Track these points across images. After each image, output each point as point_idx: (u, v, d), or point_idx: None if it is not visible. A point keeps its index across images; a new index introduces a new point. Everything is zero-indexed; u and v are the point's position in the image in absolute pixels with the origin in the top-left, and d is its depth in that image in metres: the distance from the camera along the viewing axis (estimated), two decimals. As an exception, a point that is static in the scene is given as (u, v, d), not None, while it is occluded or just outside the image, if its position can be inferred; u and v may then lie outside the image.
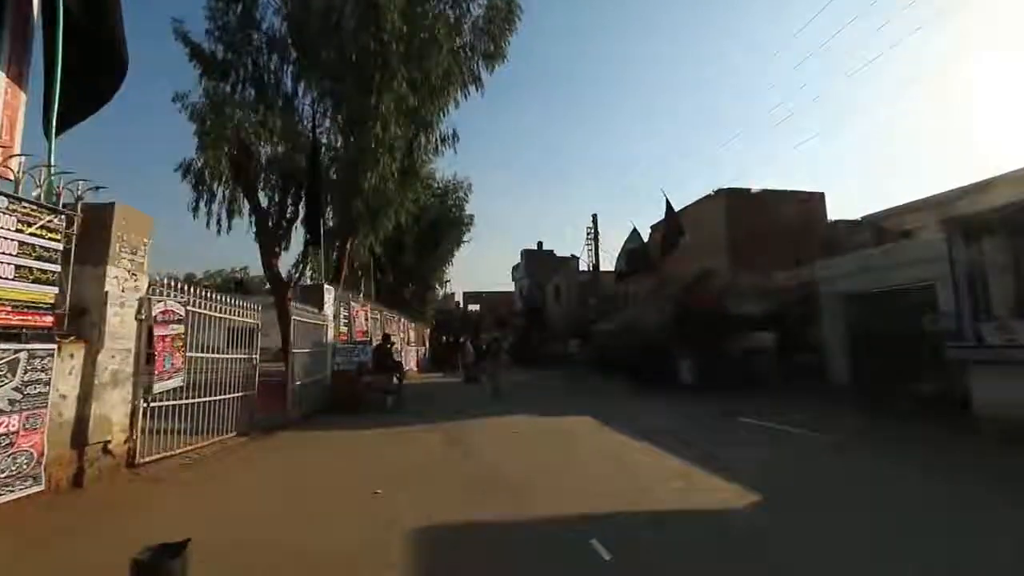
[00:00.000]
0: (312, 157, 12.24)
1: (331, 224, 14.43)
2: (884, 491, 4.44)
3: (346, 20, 13.16)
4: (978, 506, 4.00)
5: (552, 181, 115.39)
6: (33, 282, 3.84)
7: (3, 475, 3.52)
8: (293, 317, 8.42)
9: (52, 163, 4.26)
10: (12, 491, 3.58)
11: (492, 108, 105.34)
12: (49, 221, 4.03)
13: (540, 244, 52.13)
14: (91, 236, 4.47)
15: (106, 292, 4.50)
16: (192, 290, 5.96)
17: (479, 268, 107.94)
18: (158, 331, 5.09)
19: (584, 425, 8.22)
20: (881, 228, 15.36)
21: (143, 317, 4.97)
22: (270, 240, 12.16)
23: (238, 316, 7.09)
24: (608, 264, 30.14)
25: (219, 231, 11.73)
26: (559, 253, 46.29)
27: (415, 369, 22.22)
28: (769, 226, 17.00)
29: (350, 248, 14.52)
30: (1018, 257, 8.26)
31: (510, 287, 55.45)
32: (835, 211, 21.16)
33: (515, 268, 54.87)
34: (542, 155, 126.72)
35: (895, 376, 10.47)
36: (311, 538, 3.33)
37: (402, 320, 20.79)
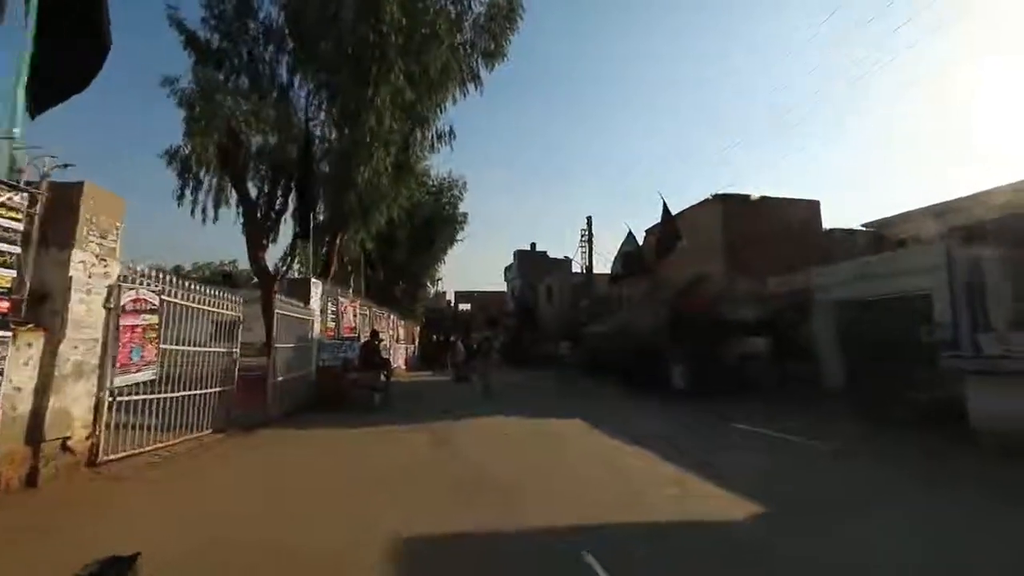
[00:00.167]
0: (305, 148, 11.93)
1: (322, 218, 14.12)
2: (887, 504, 4.25)
3: (345, 11, 12.87)
4: (986, 520, 3.82)
5: (548, 182, 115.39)
6: (-13, 263, 3.56)
7: (-55, 472, 3.23)
8: (276, 311, 8.13)
9: (14, 136, 3.97)
10: (-45, 490, 3.29)
11: (489, 106, 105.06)
12: (9, 199, 3.75)
13: (533, 245, 51.98)
14: (56, 217, 4.18)
15: (71, 277, 4.21)
16: (168, 279, 5.66)
17: (472, 268, 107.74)
18: (126, 321, 4.80)
19: (575, 428, 8.01)
20: (877, 236, 15.35)
21: (112, 306, 4.67)
22: (257, 232, 11.83)
23: (218, 308, 6.79)
24: (602, 267, 30.04)
25: (204, 220, 11.39)
26: (552, 255, 46.16)
27: (404, 367, 21.91)
28: (765, 232, 16.92)
29: (340, 243, 14.21)
30: (1017, 268, 8.20)
31: (502, 287, 55.24)
32: (830, 218, 21.20)
33: (508, 268, 54.66)
34: (538, 156, 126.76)
35: (890, 384, 10.36)
36: (281, 545, 3.07)
37: (392, 317, 20.49)
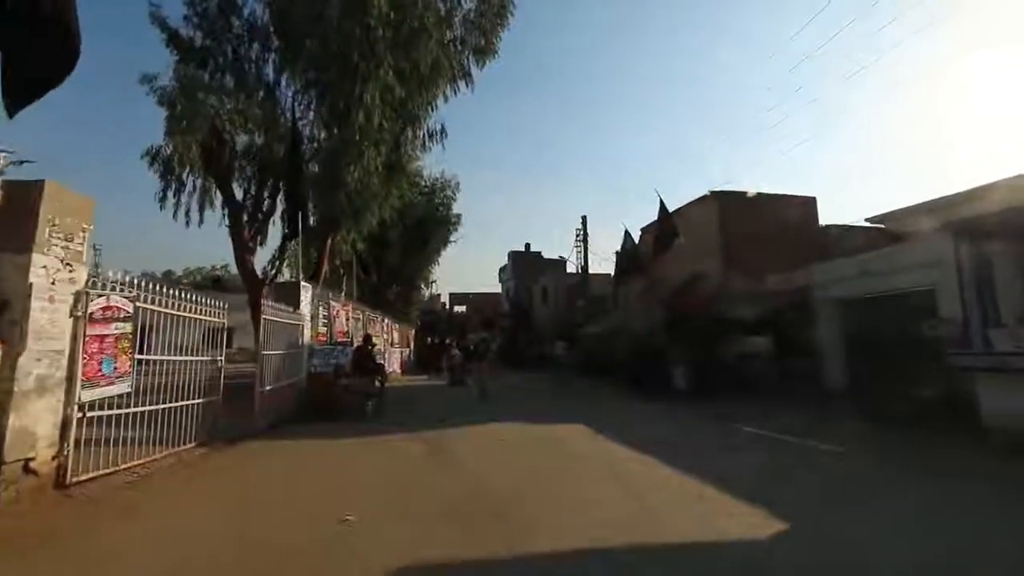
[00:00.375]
0: (292, 147, 11.58)
1: (312, 219, 13.78)
2: (919, 514, 3.99)
3: (331, 8, 12.55)
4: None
5: (541, 182, 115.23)
6: (-69, 270, 3.21)
7: None
8: (263, 316, 7.77)
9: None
10: None
11: (481, 105, 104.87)
12: (-43, 199, 3.40)
13: (528, 246, 51.74)
14: (13, 218, 3.84)
15: (31, 284, 3.86)
16: (144, 284, 5.30)
17: (466, 270, 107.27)
18: (95, 330, 4.44)
19: (576, 434, 7.72)
20: (877, 232, 15.19)
21: (80, 314, 4.32)
22: (244, 234, 11.47)
23: (200, 314, 6.44)
24: (597, 267, 29.83)
25: (188, 223, 11.07)
26: (547, 255, 45.94)
27: (399, 372, 21.53)
28: (762, 230, 16.72)
29: (331, 245, 13.87)
30: (1027, 261, 8.00)
31: (497, 289, 54.95)
32: (826, 215, 20.99)
33: (502, 270, 54.39)
34: (530, 155, 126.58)
35: (893, 382, 10.16)
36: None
37: (386, 321, 20.11)
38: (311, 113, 13.81)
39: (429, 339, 30.64)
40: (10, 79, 3.91)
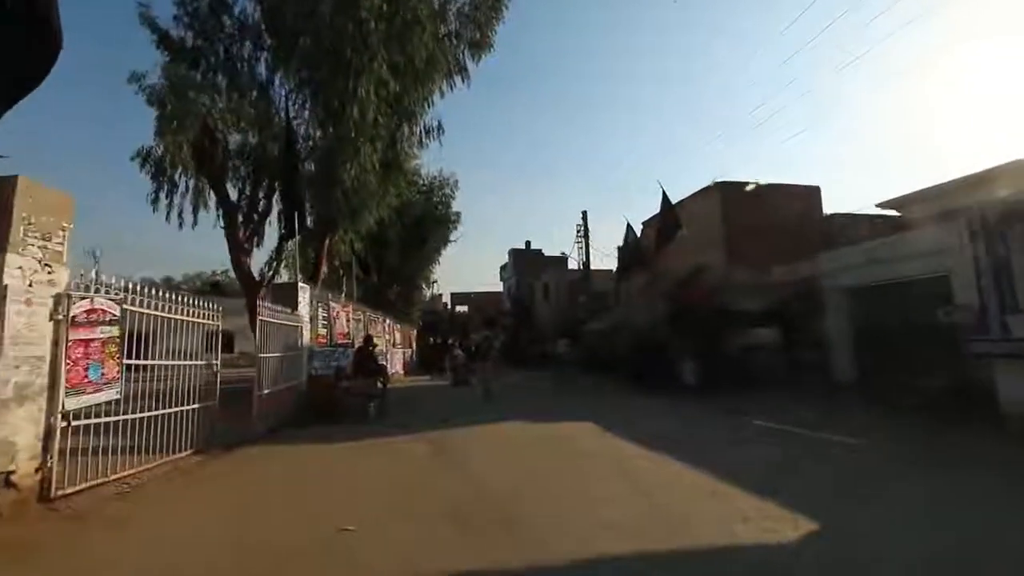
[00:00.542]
0: (287, 145, 11.34)
1: (309, 219, 13.55)
2: (947, 509, 3.77)
3: (323, 3, 12.32)
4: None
5: (539, 180, 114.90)
6: None
7: None
8: (260, 318, 7.55)
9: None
10: None
11: (477, 105, 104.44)
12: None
13: (528, 243, 51.52)
14: (-15, 217, 3.62)
15: (6, 286, 3.64)
16: (132, 287, 5.08)
17: (467, 269, 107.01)
18: (78, 334, 4.22)
19: (583, 431, 7.50)
20: (880, 220, 14.95)
21: (61, 317, 4.10)
22: (239, 235, 11.25)
23: (193, 317, 6.22)
24: (599, 263, 29.59)
25: (181, 225, 10.87)
26: (547, 252, 45.70)
27: (401, 372, 21.32)
28: (766, 220, 16.49)
29: (329, 245, 13.64)
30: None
31: (499, 287, 54.73)
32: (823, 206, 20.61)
33: (503, 268, 54.16)
34: (528, 154, 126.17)
35: (905, 371, 9.93)
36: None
37: (387, 321, 19.88)
38: (306, 112, 13.58)
39: (432, 339, 30.43)
40: None
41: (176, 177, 10.63)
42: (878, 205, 10.24)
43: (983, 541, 3.18)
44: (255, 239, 12.28)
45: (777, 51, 73.81)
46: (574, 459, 5.74)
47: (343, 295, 15.60)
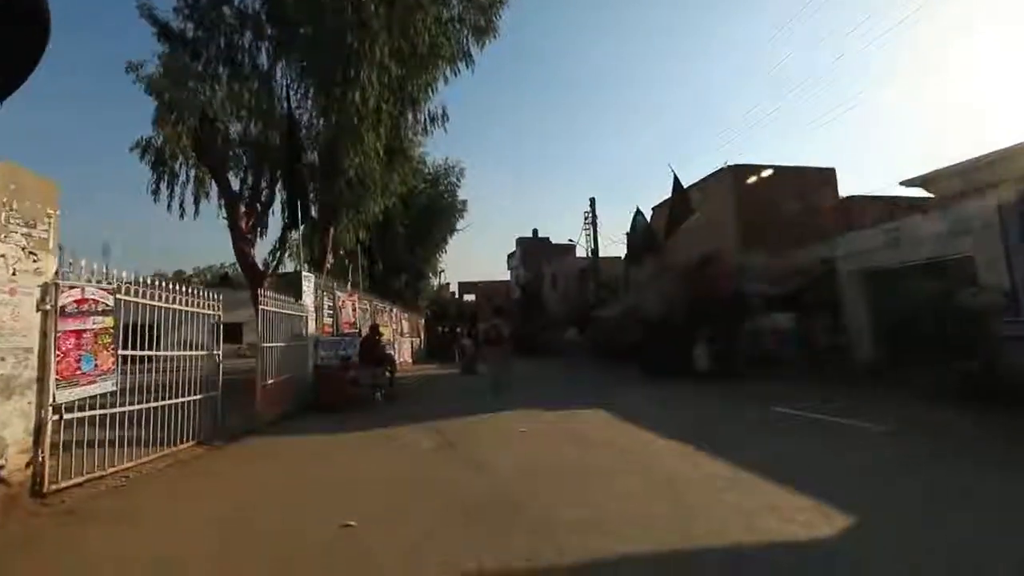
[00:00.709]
0: (289, 133, 11.11)
1: (312, 208, 13.36)
2: (994, 502, 3.50)
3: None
4: None
5: (546, 168, 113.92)
6: None
7: None
8: (262, 307, 7.38)
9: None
10: None
11: (483, 95, 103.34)
12: None
13: (535, 232, 51.14)
14: (-37, 202, 3.43)
15: (-13, 274, 3.46)
16: (125, 275, 4.90)
17: (474, 259, 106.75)
18: (68, 324, 4.05)
19: (597, 420, 7.28)
20: (898, 202, 14.46)
21: (49, 307, 3.93)
22: (243, 225, 11.08)
23: (192, 307, 6.05)
24: (607, 250, 29.20)
25: (182, 215, 10.70)
26: (555, 241, 45.29)
27: (409, 361, 21.25)
28: (780, 203, 16.05)
29: (333, 234, 13.46)
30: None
31: (506, 276, 54.50)
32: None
33: (510, 256, 53.87)
34: (535, 142, 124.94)
35: (928, 355, 9.59)
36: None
37: (394, 310, 19.75)
38: (308, 101, 13.35)
39: (440, 328, 30.34)
40: None
41: (176, 167, 10.46)
42: (902, 183, 9.79)
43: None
44: (259, 229, 12.12)
45: (782, 49, 71.96)
46: (587, 449, 5.52)
47: (349, 284, 15.45)
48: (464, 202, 28.08)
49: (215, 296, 6.62)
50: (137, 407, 5.03)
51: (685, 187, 15.73)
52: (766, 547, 2.86)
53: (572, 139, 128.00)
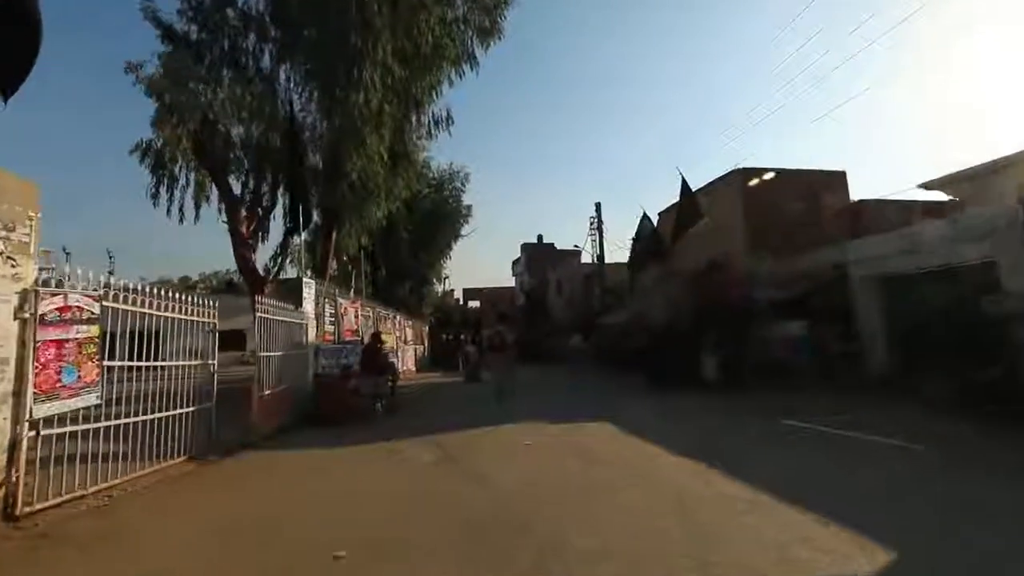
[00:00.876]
0: (291, 136, 10.93)
1: (315, 213, 13.18)
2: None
3: (329, -7, 11.89)
4: None
5: (551, 174, 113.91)
6: None
7: None
8: (259, 314, 7.15)
9: None
10: None
11: (488, 101, 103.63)
12: None
13: (540, 237, 50.89)
14: (-66, 204, 3.22)
15: (-43, 281, 3.25)
16: (112, 281, 4.69)
17: (479, 265, 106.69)
18: (49, 334, 3.83)
19: (604, 434, 6.99)
20: (914, 206, 14.15)
21: (28, 315, 3.71)
22: (243, 230, 10.90)
23: (185, 314, 5.84)
24: (613, 256, 28.92)
25: (182, 219, 10.53)
26: (560, 247, 45.03)
27: (413, 369, 21.00)
28: (790, 207, 15.75)
29: (336, 239, 13.26)
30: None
31: (511, 283, 54.24)
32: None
33: (515, 263, 53.64)
34: (540, 148, 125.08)
35: (947, 366, 9.23)
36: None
37: (398, 318, 19.52)
38: (312, 105, 13.21)
39: (444, 335, 30.10)
40: None
41: (176, 170, 10.32)
42: (921, 185, 9.49)
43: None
44: (260, 234, 11.94)
45: (785, 48, 71.85)
46: (593, 465, 5.24)
47: (352, 291, 15.24)
48: (469, 207, 27.93)
49: (210, 303, 6.41)
50: (124, 420, 4.81)
51: (693, 190, 15.44)
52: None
53: (576, 142, 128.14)
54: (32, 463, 3.77)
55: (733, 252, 15.71)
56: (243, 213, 11.02)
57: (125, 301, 4.81)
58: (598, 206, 27.44)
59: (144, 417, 5.05)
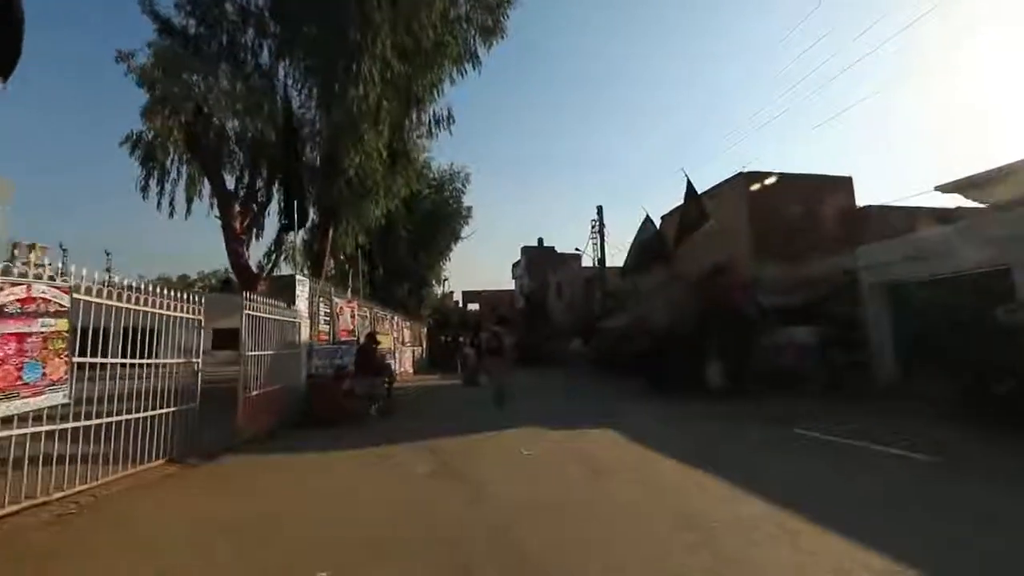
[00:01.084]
0: (287, 131, 10.65)
1: (311, 210, 12.88)
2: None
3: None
4: None
5: (552, 178, 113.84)
6: None
7: None
8: (247, 312, 6.83)
9: None
10: None
11: (489, 103, 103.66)
12: None
13: (540, 241, 50.63)
14: None
15: (-98, 267, 2.95)
16: (83, 272, 4.38)
17: (478, 267, 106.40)
18: (8, 327, 3.52)
19: (607, 442, 6.66)
20: (922, 212, 13.88)
21: (-13, 307, 3.41)
22: (236, 225, 10.59)
23: (169, 310, 5.54)
24: (614, 259, 28.63)
25: (172, 214, 10.19)
26: (560, 250, 44.76)
27: (411, 371, 20.67)
28: (795, 212, 15.50)
29: (333, 237, 12.97)
30: None
31: (511, 286, 53.98)
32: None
33: (515, 266, 53.38)
34: (541, 151, 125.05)
35: (959, 375, 8.94)
36: None
37: (395, 319, 19.20)
38: (311, 102, 12.95)
39: (443, 337, 29.77)
40: None
41: (168, 163, 10.03)
42: (938, 188, 9.19)
43: None
44: (254, 231, 11.64)
45: (790, 50, 71.92)
46: (599, 478, 4.92)
47: (349, 291, 14.93)
48: (469, 208, 27.65)
49: (196, 299, 6.12)
50: (97, 421, 4.49)
51: (699, 193, 15.17)
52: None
53: (578, 143, 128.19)
54: (-12, 468, 3.46)
55: (737, 256, 15.45)
56: (236, 208, 10.72)
57: (100, 295, 4.51)
58: (600, 209, 27.19)
59: (120, 417, 4.75)
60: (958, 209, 12.97)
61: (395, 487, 4.73)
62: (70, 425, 4.14)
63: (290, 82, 12.51)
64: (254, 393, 6.92)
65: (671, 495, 4.27)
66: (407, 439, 6.83)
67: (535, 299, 40.03)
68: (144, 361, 5.14)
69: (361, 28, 10.52)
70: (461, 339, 24.52)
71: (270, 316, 7.76)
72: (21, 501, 3.66)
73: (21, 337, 3.63)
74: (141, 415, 5.03)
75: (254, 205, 11.54)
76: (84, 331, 4.37)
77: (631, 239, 17.66)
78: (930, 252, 10.18)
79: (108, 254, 28.89)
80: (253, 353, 6.97)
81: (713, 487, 4.41)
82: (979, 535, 3.28)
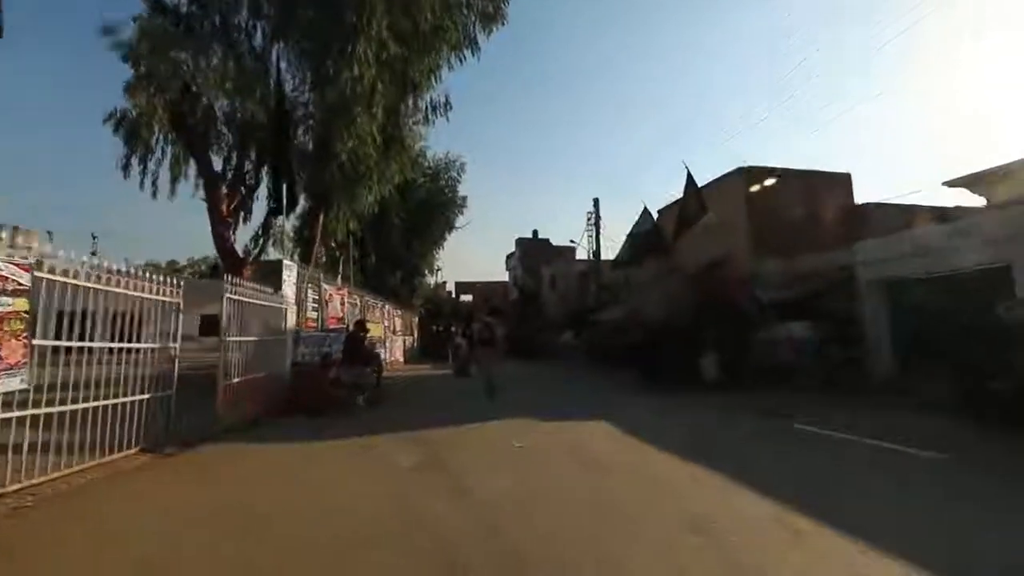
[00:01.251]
0: (278, 112, 10.28)
1: (301, 195, 12.54)
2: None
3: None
4: None
5: (548, 169, 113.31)
6: None
7: None
8: (227, 295, 6.56)
9: None
10: None
11: (486, 94, 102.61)
12: None
13: (535, 232, 50.30)
14: None
15: None
16: (63, 254, 4.11)
17: (472, 258, 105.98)
18: (-45, 305, 3.26)
19: (600, 435, 6.49)
20: (917, 210, 13.78)
21: (-68, 282, 3.14)
22: (223, 208, 10.26)
23: (143, 292, 5.27)
24: (610, 252, 28.45)
25: (155, 194, 9.83)
26: (555, 243, 44.50)
27: (401, 360, 20.46)
28: (794, 208, 15.36)
29: (323, 223, 12.65)
30: None
31: (504, 277, 53.70)
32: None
33: (509, 257, 53.07)
34: (537, 143, 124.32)
35: (956, 372, 8.85)
36: None
37: (386, 307, 18.94)
38: (305, 86, 12.56)
39: (434, 327, 29.54)
40: None
41: (152, 142, 9.67)
42: (945, 183, 9.04)
43: None
44: (242, 214, 11.30)
45: (784, 43, 71.57)
46: (592, 472, 4.73)
47: (339, 278, 14.64)
48: (464, 198, 27.28)
49: (174, 281, 5.84)
50: (62, 408, 4.23)
51: (699, 186, 14.97)
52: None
53: (572, 135, 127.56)
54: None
55: (736, 250, 15.31)
56: (223, 191, 10.38)
57: (67, 274, 4.23)
58: (596, 202, 26.93)
59: (87, 404, 4.49)
60: (956, 207, 12.89)
61: (378, 482, 4.51)
62: (29, 412, 3.88)
63: (284, 65, 12.12)
64: (236, 380, 6.67)
65: (668, 491, 4.09)
66: (392, 429, 6.63)
67: (528, 291, 39.85)
68: (115, 345, 4.88)
69: (358, 10, 10.14)
70: (453, 329, 24.31)
71: (254, 301, 7.50)
72: (-25, 492, 3.41)
73: (-27, 316, 3.37)
74: (111, 402, 4.77)
75: (242, 188, 11.20)
76: (59, 315, 4.13)
77: (624, 232, 17.49)
78: (928, 249, 10.07)
79: (95, 237, 28.35)
80: (235, 339, 6.72)
81: (717, 485, 4.23)
82: (986, 530, 3.12)
